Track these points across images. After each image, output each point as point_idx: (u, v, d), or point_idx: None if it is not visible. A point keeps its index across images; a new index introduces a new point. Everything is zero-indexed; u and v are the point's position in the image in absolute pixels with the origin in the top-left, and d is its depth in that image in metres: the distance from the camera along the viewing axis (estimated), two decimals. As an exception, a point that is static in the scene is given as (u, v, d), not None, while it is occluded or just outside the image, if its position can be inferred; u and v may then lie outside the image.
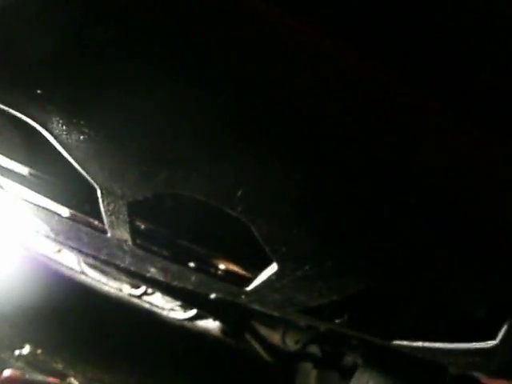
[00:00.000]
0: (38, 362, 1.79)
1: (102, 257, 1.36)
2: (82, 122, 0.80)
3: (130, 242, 1.15)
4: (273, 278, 1.04)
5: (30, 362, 1.78)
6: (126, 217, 1.02)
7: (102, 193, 0.96)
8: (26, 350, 1.79)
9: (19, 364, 1.77)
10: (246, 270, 1.26)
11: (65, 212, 1.23)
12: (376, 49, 0.71)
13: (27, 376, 1.69)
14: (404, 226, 0.87)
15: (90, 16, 0.74)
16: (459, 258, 0.91)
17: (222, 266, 1.27)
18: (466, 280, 0.95)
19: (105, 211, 1.02)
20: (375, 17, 0.75)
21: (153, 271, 1.31)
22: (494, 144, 0.83)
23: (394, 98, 0.75)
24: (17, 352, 1.79)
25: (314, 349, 1.98)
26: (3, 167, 1.22)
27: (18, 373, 1.64)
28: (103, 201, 0.98)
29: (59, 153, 0.93)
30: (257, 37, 0.68)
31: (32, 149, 1.18)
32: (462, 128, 0.81)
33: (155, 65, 0.75)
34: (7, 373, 1.61)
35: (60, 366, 1.81)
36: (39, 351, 1.80)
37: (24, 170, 1.24)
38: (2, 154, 1.19)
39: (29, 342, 1.81)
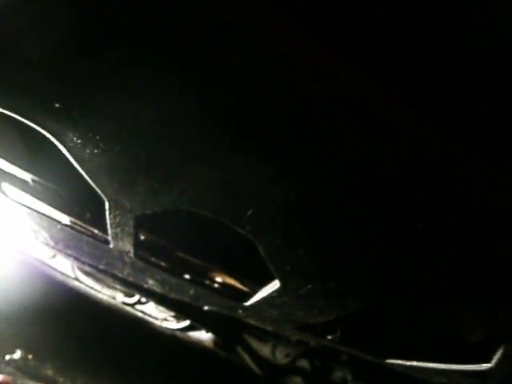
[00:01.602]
0: (29, 367, 1.79)
1: (101, 266, 1.37)
2: (97, 137, 0.81)
3: (131, 254, 1.16)
4: (274, 294, 1.05)
5: (20, 367, 1.77)
6: (131, 229, 1.03)
7: (109, 205, 0.97)
8: (18, 355, 1.79)
9: (9, 369, 1.76)
10: (244, 284, 1.27)
11: (67, 221, 1.24)
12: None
13: (18, 382, 1.69)
14: (408, 250, 0.89)
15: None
16: (458, 283, 0.94)
17: (220, 280, 1.28)
18: (463, 304, 0.97)
19: (110, 223, 1.03)
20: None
21: (151, 283, 1.32)
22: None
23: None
24: (8, 357, 1.78)
25: (303, 363, 1.99)
26: (8, 174, 1.22)
27: (9, 378, 1.64)
28: (110, 213, 0.99)
29: (63, 162, 0.94)
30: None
31: (36, 156, 1.18)
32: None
33: (170, 87, 0.77)
34: (-2, 378, 1.61)
35: (50, 372, 1.81)
36: (30, 356, 1.79)
37: (27, 176, 1.25)
38: (8, 161, 1.20)
39: (20, 347, 1.80)
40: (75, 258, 1.47)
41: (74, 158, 0.88)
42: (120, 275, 1.36)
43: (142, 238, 1.21)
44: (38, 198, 1.24)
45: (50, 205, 1.23)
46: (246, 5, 0.71)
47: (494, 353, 0.99)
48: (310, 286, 0.96)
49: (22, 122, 0.90)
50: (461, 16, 0.72)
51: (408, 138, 0.76)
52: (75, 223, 1.24)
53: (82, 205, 1.20)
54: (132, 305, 1.85)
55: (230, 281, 1.27)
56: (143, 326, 1.84)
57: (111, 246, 1.15)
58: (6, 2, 0.72)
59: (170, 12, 0.72)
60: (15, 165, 1.21)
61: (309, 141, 0.78)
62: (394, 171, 0.82)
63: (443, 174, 0.83)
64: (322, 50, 0.71)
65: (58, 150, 0.91)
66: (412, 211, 0.85)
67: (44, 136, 0.89)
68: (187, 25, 0.73)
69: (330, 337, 1.28)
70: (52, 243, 1.37)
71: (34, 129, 0.90)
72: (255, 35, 0.71)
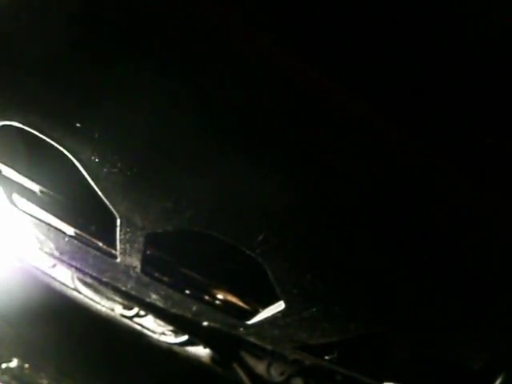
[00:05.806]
0: (24, 376, 1.79)
1: (104, 279, 1.38)
2: (115, 157, 0.83)
3: (138, 269, 1.17)
4: (278, 315, 1.06)
5: (16, 376, 1.77)
6: (140, 246, 1.04)
7: (121, 222, 0.98)
8: (14, 363, 1.79)
9: (5, 378, 1.76)
10: (246, 303, 1.28)
11: (74, 233, 1.25)
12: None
13: (13, 391, 1.69)
14: (412, 279, 0.91)
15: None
16: (460, 312, 0.95)
17: (223, 298, 1.29)
18: (465, 333, 0.99)
19: (120, 239, 1.05)
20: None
21: (154, 297, 1.33)
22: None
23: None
24: (4, 365, 1.78)
25: (298, 382, 1.99)
26: (18, 184, 1.24)
27: (3, 387, 1.64)
28: (121, 230, 1.01)
29: (73, 174, 0.96)
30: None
31: (45, 167, 1.20)
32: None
33: (191, 114, 0.80)
34: (-7, 387, 1.61)
35: (45, 382, 1.81)
36: (27, 366, 1.79)
37: (36, 187, 1.26)
38: (19, 172, 1.21)
39: (17, 356, 1.80)
40: (78, 269, 1.47)
41: (90, 176, 0.90)
42: (123, 288, 1.37)
43: (149, 252, 1.22)
44: (47, 210, 1.25)
45: (59, 217, 1.25)
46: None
47: (493, 380, 1.00)
48: (314, 309, 0.98)
49: (33, 135, 0.91)
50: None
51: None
52: (82, 236, 1.25)
53: (91, 218, 1.22)
54: (130, 317, 1.86)
55: (233, 299, 1.28)
56: (141, 339, 1.85)
57: (118, 260, 1.16)
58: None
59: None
60: (25, 176, 1.22)
61: (322, 172, 0.80)
62: (403, 202, 0.85)
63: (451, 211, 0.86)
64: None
65: (69, 162, 0.92)
66: (418, 241, 0.88)
67: (55, 149, 0.91)
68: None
69: (328, 357, 1.29)
70: (57, 254, 1.38)
71: (45, 142, 0.91)
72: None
